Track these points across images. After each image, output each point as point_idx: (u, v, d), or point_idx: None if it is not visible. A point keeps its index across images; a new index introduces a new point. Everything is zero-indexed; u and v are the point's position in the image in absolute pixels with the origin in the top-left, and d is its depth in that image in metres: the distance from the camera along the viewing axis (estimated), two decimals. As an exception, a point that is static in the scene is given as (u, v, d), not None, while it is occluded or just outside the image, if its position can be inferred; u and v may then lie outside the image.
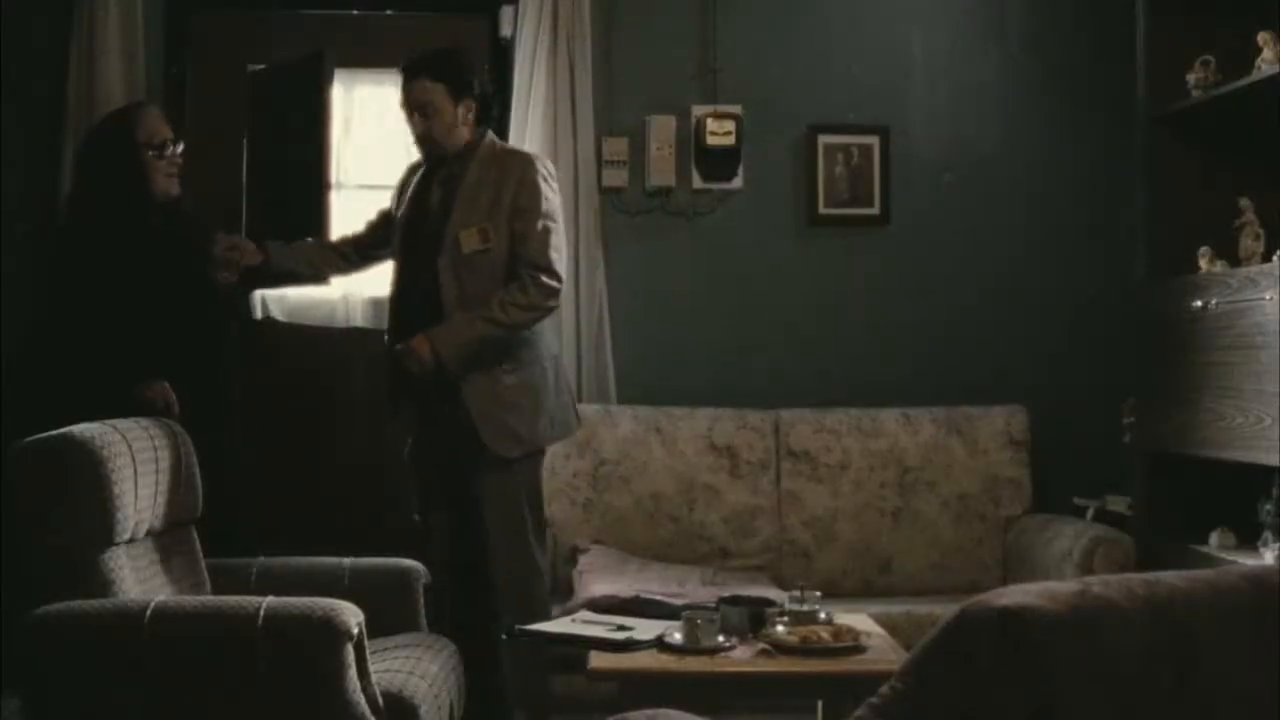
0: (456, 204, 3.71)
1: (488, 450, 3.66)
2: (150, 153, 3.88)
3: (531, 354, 3.74)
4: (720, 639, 3.02)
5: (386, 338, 3.85)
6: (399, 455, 3.95)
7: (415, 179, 3.89)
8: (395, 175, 5.41)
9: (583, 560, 4.23)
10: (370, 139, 5.42)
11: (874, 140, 4.86)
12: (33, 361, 3.91)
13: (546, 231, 3.69)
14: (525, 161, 3.78)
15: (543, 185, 3.71)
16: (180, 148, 3.97)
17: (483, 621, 3.59)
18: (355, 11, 4.95)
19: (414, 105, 3.72)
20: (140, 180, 3.86)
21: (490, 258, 3.67)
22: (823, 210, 4.86)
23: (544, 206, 3.70)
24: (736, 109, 4.76)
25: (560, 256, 3.71)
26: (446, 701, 3.14)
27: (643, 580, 4.03)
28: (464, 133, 3.74)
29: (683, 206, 4.83)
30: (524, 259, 3.66)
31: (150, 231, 3.86)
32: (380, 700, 2.78)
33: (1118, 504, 4.42)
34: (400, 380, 3.72)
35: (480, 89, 3.76)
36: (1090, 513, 4.47)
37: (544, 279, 3.65)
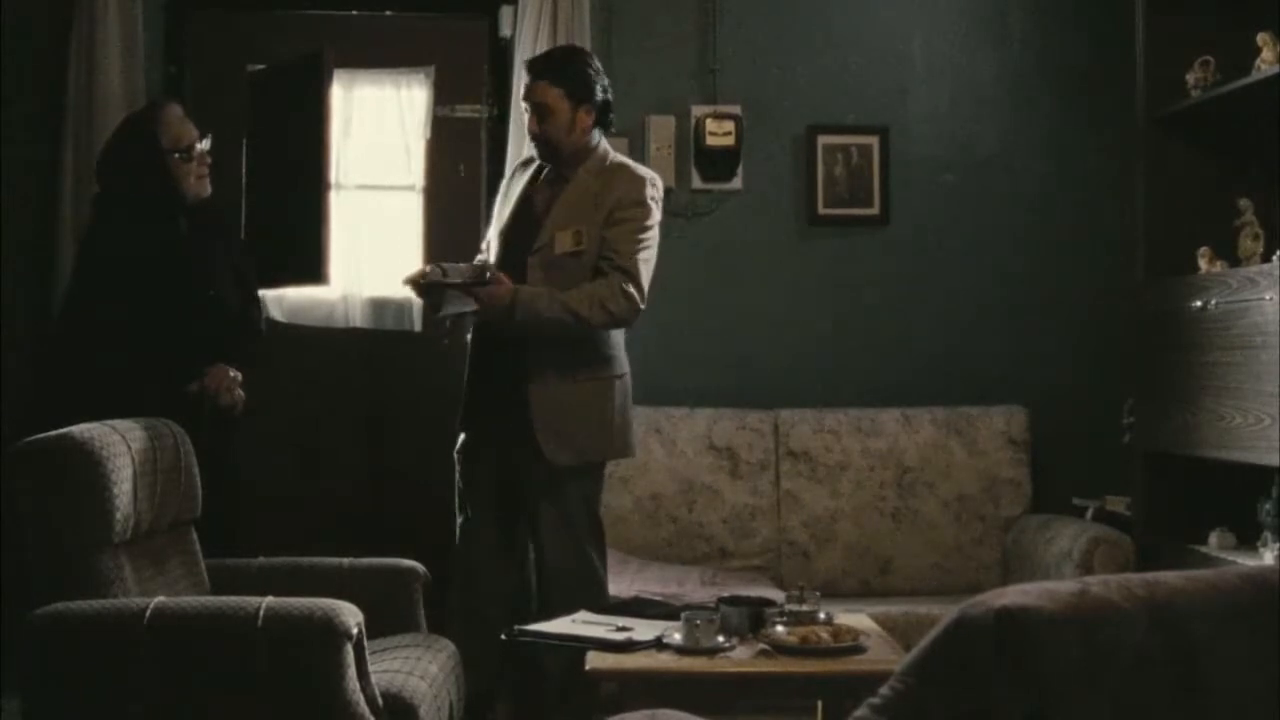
0: (558, 205, 3.67)
1: (543, 457, 3.59)
2: (177, 156, 3.79)
3: (608, 369, 3.67)
4: (720, 639, 3.01)
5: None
6: (398, 456, 3.94)
7: (525, 177, 3.83)
8: (395, 175, 5.40)
9: (583, 560, 4.22)
10: (370, 139, 5.43)
11: (874, 140, 4.85)
12: (63, 362, 3.83)
13: (641, 245, 3.60)
14: (634, 178, 3.69)
15: (648, 203, 3.64)
16: (207, 143, 3.89)
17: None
18: (355, 11, 4.95)
19: (533, 105, 3.67)
20: (170, 189, 3.78)
21: (581, 262, 3.60)
22: (822, 210, 4.86)
23: (643, 222, 3.62)
24: (736, 109, 4.76)
25: (648, 277, 3.61)
26: (446, 702, 3.14)
27: (642, 580, 4.04)
28: (580, 136, 3.67)
29: (682, 207, 4.82)
30: (616, 264, 3.57)
31: (180, 237, 3.80)
32: (380, 700, 2.78)
33: (1117, 504, 4.42)
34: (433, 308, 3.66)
35: (603, 95, 3.69)
36: (1090, 513, 4.47)
37: (632, 290, 3.55)
